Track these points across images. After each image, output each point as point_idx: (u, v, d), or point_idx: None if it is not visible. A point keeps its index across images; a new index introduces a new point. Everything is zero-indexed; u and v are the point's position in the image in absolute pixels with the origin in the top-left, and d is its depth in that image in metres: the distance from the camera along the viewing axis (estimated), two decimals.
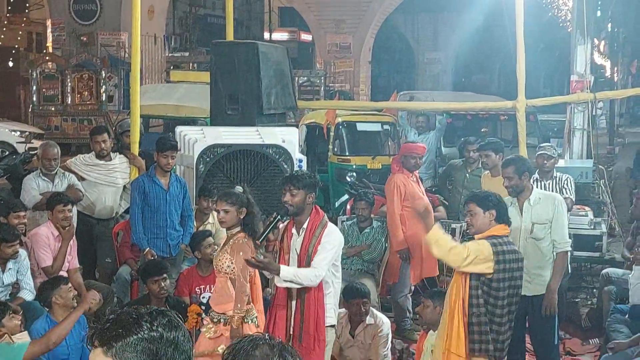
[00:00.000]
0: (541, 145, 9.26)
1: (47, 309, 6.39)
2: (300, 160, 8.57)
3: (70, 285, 6.56)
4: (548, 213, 6.59)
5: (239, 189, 6.13)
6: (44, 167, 8.47)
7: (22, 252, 7.27)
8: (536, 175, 8.20)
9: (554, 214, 6.59)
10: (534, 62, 11.49)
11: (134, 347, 2.30)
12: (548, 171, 8.43)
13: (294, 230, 5.80)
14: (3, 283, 7.13)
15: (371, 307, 7.20)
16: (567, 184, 8.49)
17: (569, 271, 7.36)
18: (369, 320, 7.00)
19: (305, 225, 5.72)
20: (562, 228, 6.63)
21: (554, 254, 6.63)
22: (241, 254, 5.78)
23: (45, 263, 7.46)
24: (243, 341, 2.67)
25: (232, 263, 5.84)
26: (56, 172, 8.48)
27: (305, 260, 5.64)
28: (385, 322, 7.07)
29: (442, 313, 5.85)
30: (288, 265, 5.71)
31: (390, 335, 7.14)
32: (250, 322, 5.82)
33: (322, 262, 5.60)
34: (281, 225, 5.86)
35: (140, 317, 2.35)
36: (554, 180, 8.45)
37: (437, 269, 8.59)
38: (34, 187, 8.34)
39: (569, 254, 6.76)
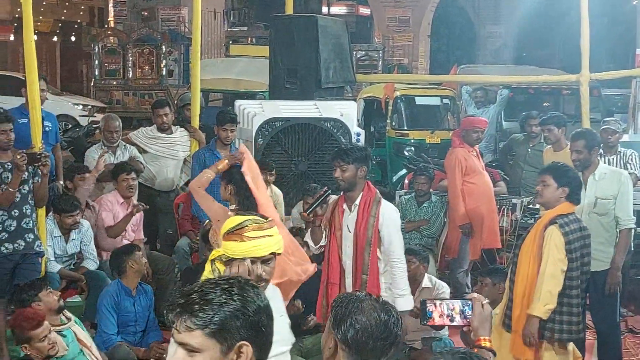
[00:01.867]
0: (606, 119, 9.11)
1: (119, 275, 6.54)
2: (358, 134, 8.54)
3: (142, 252, 6.73)
4: (613, 189, 6.49)
5: None
6: (106, 139, 8.61)
7: (85, 223, 7.43)
8: (600, 150, 8.07)
9: (619, 190, 6.49)
10: (598, 36, 11.25)
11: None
12: (612, 146, 8.29)
13: (345, 207, 5.69)
14: (67, 252, 7.30)
15: (430, 275, 7.17)
16: (631, 159, 8.34)
17: (632, 248, 7.25)
18: (425, 283, 6.95)
19: (357, 202, 5.62)
20: (627, 205, 6.52)
21: (617, 230, 6.54)
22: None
23: (107, 223, 7.68)
24: (347, 295, 2.85)
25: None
26: (118, 145, 8.62)
27: (365, 240, 5.56)
28: (444, 286, 7.03)
29: (505, 294, 5.77)
30: (340, 241, 5.66)
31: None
32: None
33: (397, 248, 5.62)
34: (331, 200, 5.77)
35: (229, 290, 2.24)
36: (619, 155, 8.31)
37: (499, 241, 8.50)
38: (97, 158, 8.48)
39: (632, 231, 6.64)
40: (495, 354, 3.03)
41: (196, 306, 2.15)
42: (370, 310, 2.75)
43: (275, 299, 3.80)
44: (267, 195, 5.88)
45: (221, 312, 2.14)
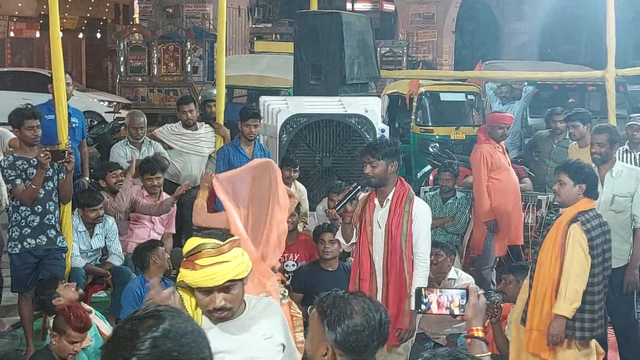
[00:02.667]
0: (631, 115, 9.04)
1: (142, 270, 6.59)
2: (383, 130, 8.54)
3: (164, 248, 6.78)
4: (630, 186, 6.50)
5: None
6: (131, 135, 8.68)
7: (110, 219, 7.47)
8: (626, 147, 8.04)
9: (636, 188, 6.49)
10: (623, 32, 11.12)
11: None
12: (638, 142, 8.22)
13: (376, 202, 5.63)
14: (92, 247, 7.35)
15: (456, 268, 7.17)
16: None
17: None
18: (451, 274, 6.95)
19: (389, 197, 5.56)
20: None
21: (633, 228, 6.51)
22: None
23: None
24: (335, 296, 2.76)
25: None
26: (142, 141, 8.67)
27: (400, 236, 5.52)
28: (469, 278, 7.05)
29: (523, 291, 5.73)
30: (370, 237, 5.62)
31: None
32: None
33: (423, 246, 5.60)
34: (361, 196, 5.67)
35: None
36: None
37: (522, 238, 8.47)
38: (122, 155, 8.56)
39: None
40: (487, 343, 3.01)
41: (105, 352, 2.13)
42: (364, 311, 2.70)
43: (264, 320, 3.43)
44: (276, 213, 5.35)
45: None
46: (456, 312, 3.06)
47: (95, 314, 6.05)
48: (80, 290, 6.09)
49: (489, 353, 2.98)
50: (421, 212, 5.60)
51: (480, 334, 2.97)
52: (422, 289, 3.12)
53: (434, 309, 3.09)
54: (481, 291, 3.07)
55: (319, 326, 2.70)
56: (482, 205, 8.27)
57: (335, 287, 6.45)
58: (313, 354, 2.74)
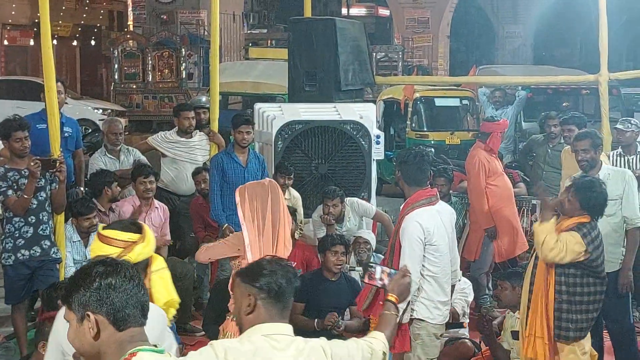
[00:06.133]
0: (623, 119, 9.06)
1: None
2: (378, 136, 8.56)
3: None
4: (618, 189, 6.48)
5: None
6: (110, 142, 8.65)
7: None
8: (620, 150, 8.06)
9: (624, 190, 6.49)
10: (617, 35, 11.13)
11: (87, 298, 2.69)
12: (626, 145, 8.22)
13: None
14: (86, 257, 7.28)
15: None
16: None
17: None
18: None
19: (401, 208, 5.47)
20: (633, 204, 6.51)
21: (625, 230, 6.52)
22: None
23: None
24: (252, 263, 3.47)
25: None
26: (120, 149, 8.65)
27: (389, 252, 5.40)
28: (467, 282, 7.10)
29: (522, 297, 5.73)
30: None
31: (471, 296, 7.26)
32: None
33: (405, 259, 5.19)
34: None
35: (84, 271, 2.75)
36: (638, 155, 8.25)
37: (526, 244, 8.45)
38: (102, 165, 8.45)
39: None
40: (397, 308, 3.72)
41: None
42: (273, 263, 3.29)
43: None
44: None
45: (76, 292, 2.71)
46: (378, 284, 3.84)
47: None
48: None
49: (398, 314, 3.72)
50: (407, 223, 5.29)
51: (392, 299, 3.69)
52: (369, 264, 3.94)
53: (366, 279, 3.88)
54: (409, 273, 3.84)
55: (240, 287, 3.22)
56: (482, 211, 8.28)
57: (338, 297, 6.43)
58: (239, 312, 3.21)
